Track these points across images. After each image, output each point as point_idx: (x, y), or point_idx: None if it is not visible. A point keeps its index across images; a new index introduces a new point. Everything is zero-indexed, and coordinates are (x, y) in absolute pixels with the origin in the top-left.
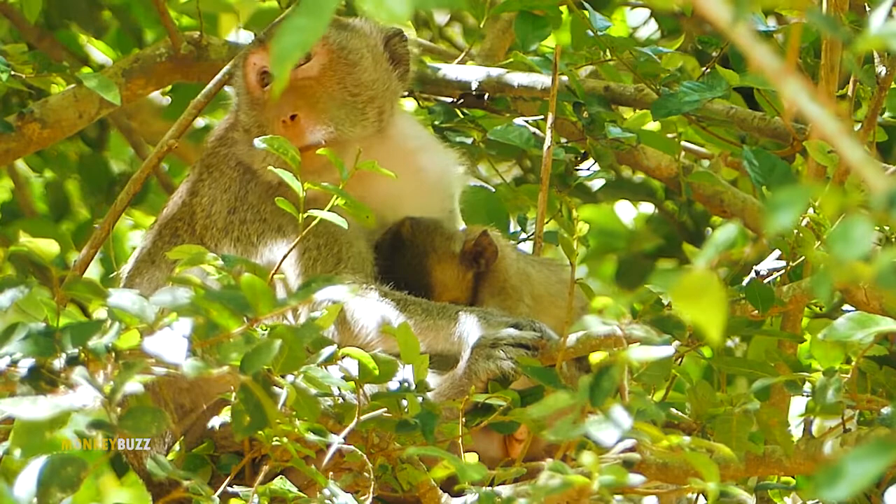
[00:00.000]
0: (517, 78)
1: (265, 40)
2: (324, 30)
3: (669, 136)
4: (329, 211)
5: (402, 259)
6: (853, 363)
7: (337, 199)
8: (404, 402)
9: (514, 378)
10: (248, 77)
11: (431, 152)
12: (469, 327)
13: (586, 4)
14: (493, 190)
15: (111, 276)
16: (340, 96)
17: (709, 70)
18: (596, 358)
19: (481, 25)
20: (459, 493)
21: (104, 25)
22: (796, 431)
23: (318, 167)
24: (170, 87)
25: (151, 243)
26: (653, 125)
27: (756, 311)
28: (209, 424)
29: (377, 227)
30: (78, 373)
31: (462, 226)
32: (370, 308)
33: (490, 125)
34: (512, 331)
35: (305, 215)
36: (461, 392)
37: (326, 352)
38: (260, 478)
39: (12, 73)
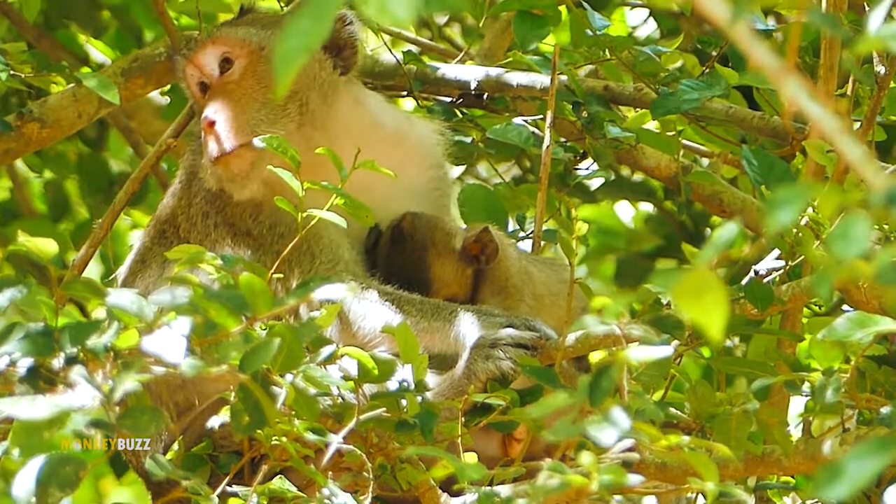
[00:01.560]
0: (516, 77)
1: (190, 53)
2: (327, 33)
3: (669, 133)
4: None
5: (401, 253)
6: (852, 363)
7: (334, 199)
8: (403, 402)
9: (513, 378)
10: (191, 88)
11: (394, 128)
12: (467, 327)
13: (585, 4)
14: (493, 189)
15: (111, 277)
16: (260, 96)
17: (708, 69)
18: (595, 357)
19: (480, 25)
20: (458, 493)
21: (103, 25)
22: (795, 431)
23: (235, 174)
24: (169, 86)
25: (142, 245)
26: (652, 124)
27: (755, 311)
28: (208, 424)
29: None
30: (76, 372)
31: (462, 225)
32: (367, 307)
33: (489, 124)
34: (511, 331)
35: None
36: (460, 392)
37: (325, 351)
38: (259, 477)
39: (11, 72)
